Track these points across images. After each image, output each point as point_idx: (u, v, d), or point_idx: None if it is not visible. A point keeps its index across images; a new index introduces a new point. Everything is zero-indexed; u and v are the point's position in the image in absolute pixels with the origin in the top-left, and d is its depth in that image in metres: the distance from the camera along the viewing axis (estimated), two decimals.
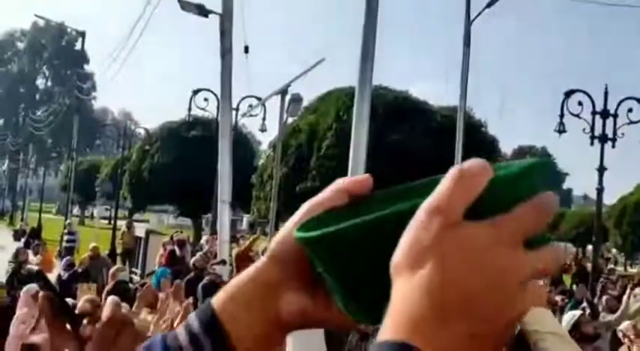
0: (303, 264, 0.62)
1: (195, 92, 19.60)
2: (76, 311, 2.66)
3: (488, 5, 14.99)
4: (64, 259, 13.93)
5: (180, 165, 27.75)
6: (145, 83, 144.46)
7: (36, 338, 4.49)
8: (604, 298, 10.62)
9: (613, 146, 15.13)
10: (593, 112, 15.14)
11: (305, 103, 20.65)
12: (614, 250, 39.57)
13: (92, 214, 54.92)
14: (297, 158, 21.33)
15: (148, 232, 17.98)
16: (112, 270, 10.77)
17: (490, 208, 0.51)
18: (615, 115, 15.26)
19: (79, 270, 11.31)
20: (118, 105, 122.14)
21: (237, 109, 17.61)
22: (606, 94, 15.31)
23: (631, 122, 15.34)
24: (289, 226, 0.64)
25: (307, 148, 20.98)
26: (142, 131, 31.25)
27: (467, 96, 14.25)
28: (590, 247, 27.48)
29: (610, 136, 15.12)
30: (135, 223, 22.20)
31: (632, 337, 6.67)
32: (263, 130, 19.65)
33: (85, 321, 1.77)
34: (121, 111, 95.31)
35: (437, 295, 0.49)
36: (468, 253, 0.50)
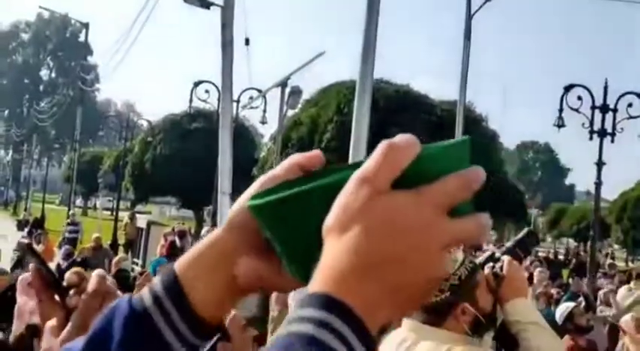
0: (256, 231, 0.66)
1: (197, 84, 19.58)
2: (64, 283, 2.74)
3: None
4: (63, 248, 14.01)
5: (182, 157, 27.80)
6: (147, 75, 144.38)
7: (37, 319, 4.60)
8: (600, 292, 10.66)
9: (612, 141, 15.08)
10: (593, 107, 15.08)
11: (306, 95, 20.71)
12: (615, 246, 39.52)
13: (95, 205, 55.13)
14: (298, 151, 20.87)
15: (150, 224, 18.02)
16: (115, 259, 10.91)
17: (417, 180, 0.56)
18: (615, 110, 15.20)
19: (78, 259, 11.40)
20: (121, 97, 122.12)
21: (238, 101, 17.62)
22: (606, 88, 15.25)
23: (631, 117, 15.24)
24: (245, 197, 0.69)
25: (308, 141, 20.96)
26: (145, 123, 31.28)
27: (467, 90, 14.27)
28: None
29: (609, 130, 15.07)
30: (137, 215, 22.33)
31: (632, 332, 6.60)
32: (264, 122, 19.66)
33: (71, 292, 1.88)
34: (124, 102, 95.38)
35: (362, 253, 0.55)
36: (392, 218, 0.55)
